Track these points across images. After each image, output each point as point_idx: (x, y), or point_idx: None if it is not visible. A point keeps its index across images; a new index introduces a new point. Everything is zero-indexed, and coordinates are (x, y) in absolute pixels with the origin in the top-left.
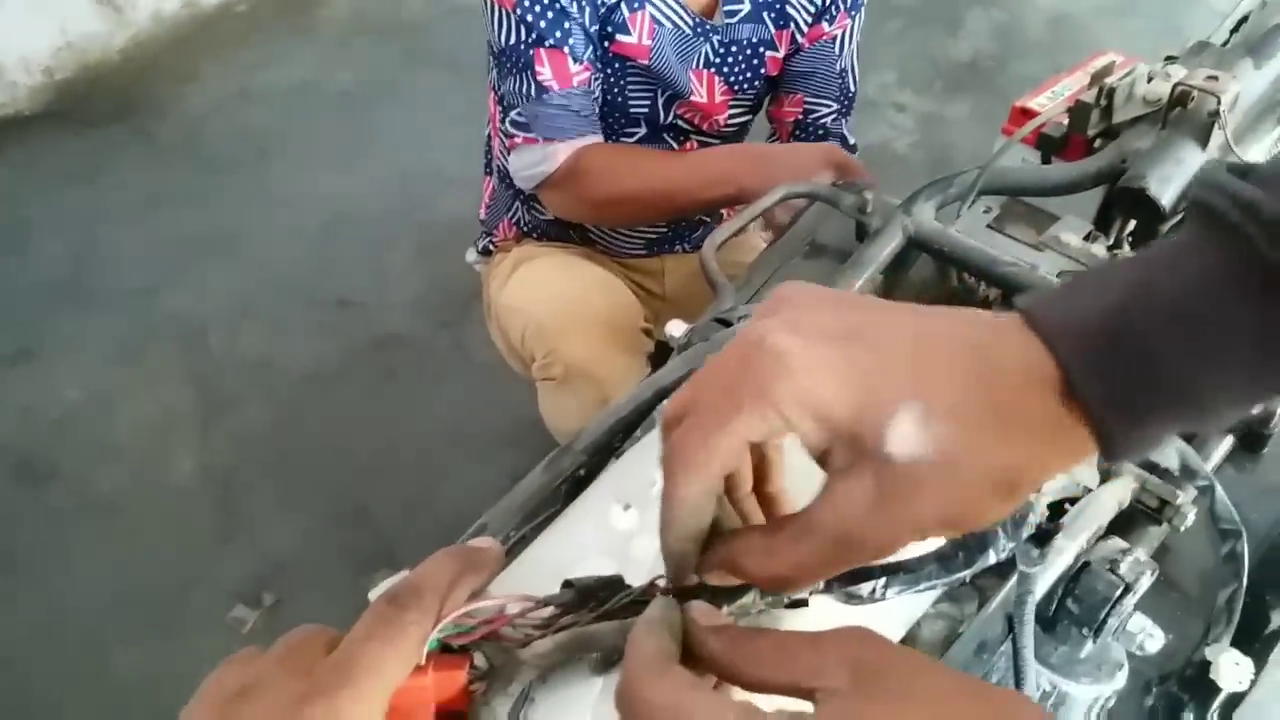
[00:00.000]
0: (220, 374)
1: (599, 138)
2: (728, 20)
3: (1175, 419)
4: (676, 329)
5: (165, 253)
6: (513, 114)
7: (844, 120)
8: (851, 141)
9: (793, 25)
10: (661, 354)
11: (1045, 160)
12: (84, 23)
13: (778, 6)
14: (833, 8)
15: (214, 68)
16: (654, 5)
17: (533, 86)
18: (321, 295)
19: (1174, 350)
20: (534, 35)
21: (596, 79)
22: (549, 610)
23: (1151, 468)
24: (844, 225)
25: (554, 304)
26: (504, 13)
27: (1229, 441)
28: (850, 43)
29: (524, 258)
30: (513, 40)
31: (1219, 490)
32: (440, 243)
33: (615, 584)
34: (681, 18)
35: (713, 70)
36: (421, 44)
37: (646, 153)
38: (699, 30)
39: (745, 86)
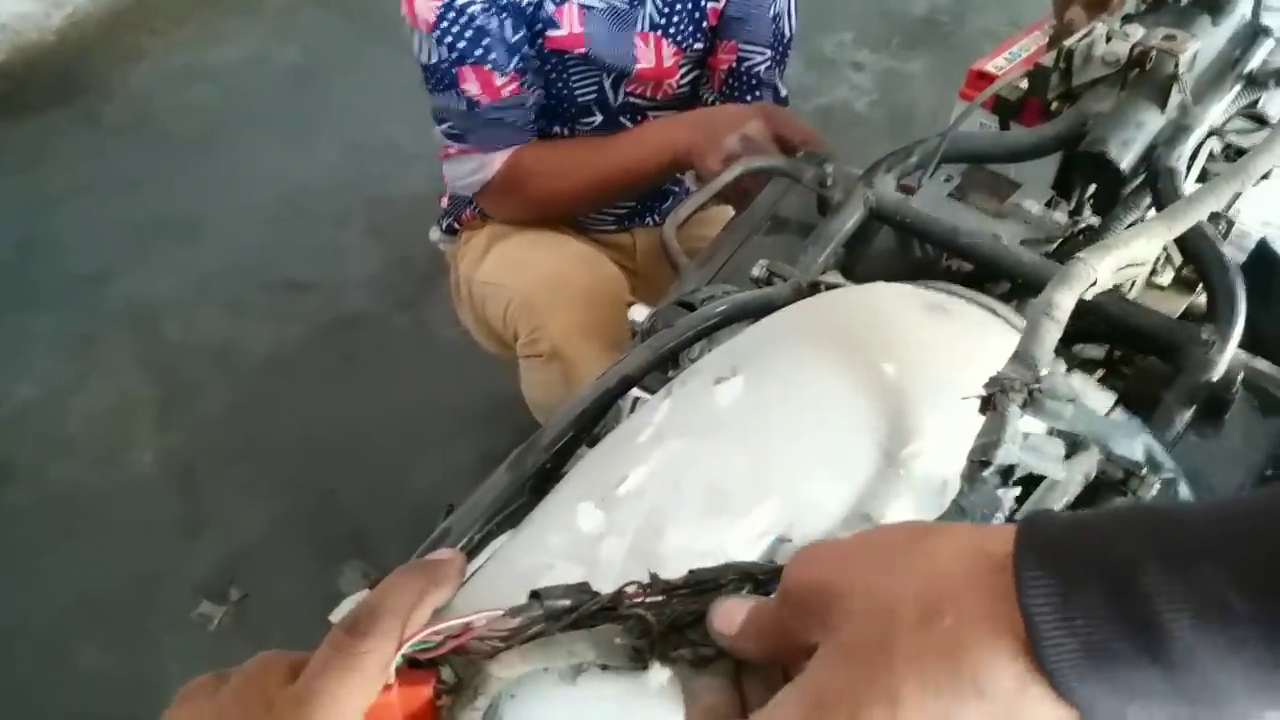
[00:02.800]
0: (177, 361)
1: (531, 145)
2: None
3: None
4: (639, 314)
5: (115, 238)
6: (445, 126)
7: (777, 70)
8: (783, 93)
9: None
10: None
11: (1003, 125)
12: (16, 3)
13: None
14: None
15: (157, 46)
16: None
17: (462, 102)
18: (278, 277)
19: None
20: (455, 54)
21: (534, 84)
22: (516, 620)
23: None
24: (805, 198)
25: (537, 279)
26: (421, 35)
27: (1191, 411)
28: None
29: (498, 235)
30: (435, 60)
31: (1183, 485)
32: (396, 220)
33: (583, 592)
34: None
35: (659, 33)
36: (371, 17)
37: (580, 143)
38: (634, 6)
39: (692, 42)
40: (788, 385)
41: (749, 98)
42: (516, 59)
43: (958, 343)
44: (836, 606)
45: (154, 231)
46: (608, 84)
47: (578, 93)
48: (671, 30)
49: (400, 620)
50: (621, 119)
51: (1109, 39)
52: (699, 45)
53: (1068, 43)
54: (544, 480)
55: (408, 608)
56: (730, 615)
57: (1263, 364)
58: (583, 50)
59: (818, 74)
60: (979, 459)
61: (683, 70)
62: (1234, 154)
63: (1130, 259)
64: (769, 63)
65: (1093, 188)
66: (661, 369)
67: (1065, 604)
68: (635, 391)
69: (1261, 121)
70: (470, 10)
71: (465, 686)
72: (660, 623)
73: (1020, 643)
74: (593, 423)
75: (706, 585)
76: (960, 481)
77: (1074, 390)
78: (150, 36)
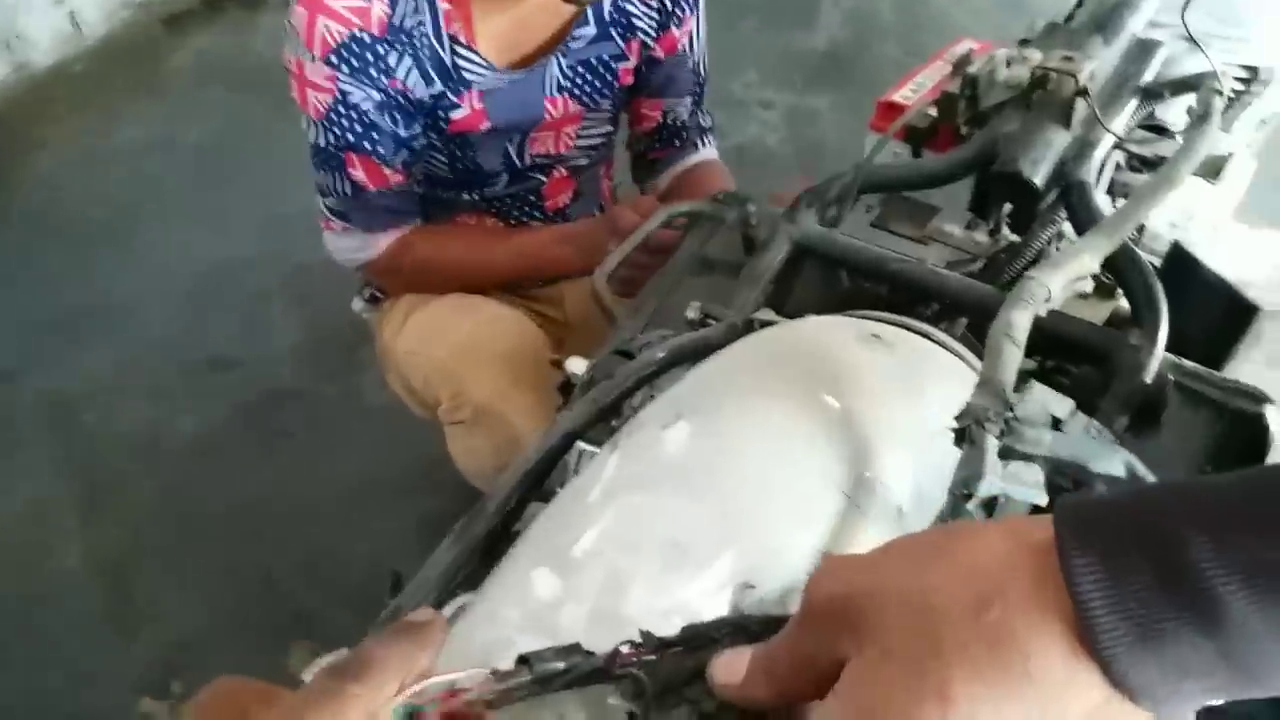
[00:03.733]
0: (99, 455)
1: (415, 228)
2: (574, 46)
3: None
4: (578, 366)
5: (25, 333)
6: (326, 201)
7: (699, 109)
8: (707, 124)
9: (640, 34)
10: (570, 386)
11: (916, 153)
12: None
13: (623, 21)
14: (676, 10)
15: (58, 133)
16: (479, 80)
17: (347, 185)
18: (199, 358)
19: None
20: (343, 143)
21: (417, 176)
22: (505, 685)
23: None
24: (730, 239)
25: (455, 344)
26: (309, 119)
27: (1128, 415)
28: (698, 39)
29: (417, 302)
30: (323, 143)
31: None
32: (318, 289)
33: (574, 653)
34: (510, 78)
35: (565, 94)
36: (272, 88)
37: (472, 241)
38: (536, 71)
39: (599, 100)
40: (734, 429)
41: (677, 142)
42: (405, 153)
43: (897, 371)
44: (871, 614)
45: (66, 322)
46: (513, 150)
47: (485, 164)
48: (577, 91)
49: (389, 675)
50: (529, 175)
51: (1009, 64)
52: (608, 105)
53: (970, 70)
54: (495, 542)
55: (397, 663)
56: (732, 665)
57: (1189, 364)
58: (488, 126)
59: (728, 114)
60: (961, 492)
61: (587, 123)
62: (1138, 163)
63: (1078, 273)
64: (691, 107)
65: (1008, 206)
66: (605, 420)
67: (1114, 586)
68: (580, 445)
69: (1161, 130)
70: (363, 106)
71: None
72: (655, 682)
73: (1070, 628)
74: (539, 482)
75: (701, 640)
76: (945, 516)
77: (1048, 414)
78: (49, 124)
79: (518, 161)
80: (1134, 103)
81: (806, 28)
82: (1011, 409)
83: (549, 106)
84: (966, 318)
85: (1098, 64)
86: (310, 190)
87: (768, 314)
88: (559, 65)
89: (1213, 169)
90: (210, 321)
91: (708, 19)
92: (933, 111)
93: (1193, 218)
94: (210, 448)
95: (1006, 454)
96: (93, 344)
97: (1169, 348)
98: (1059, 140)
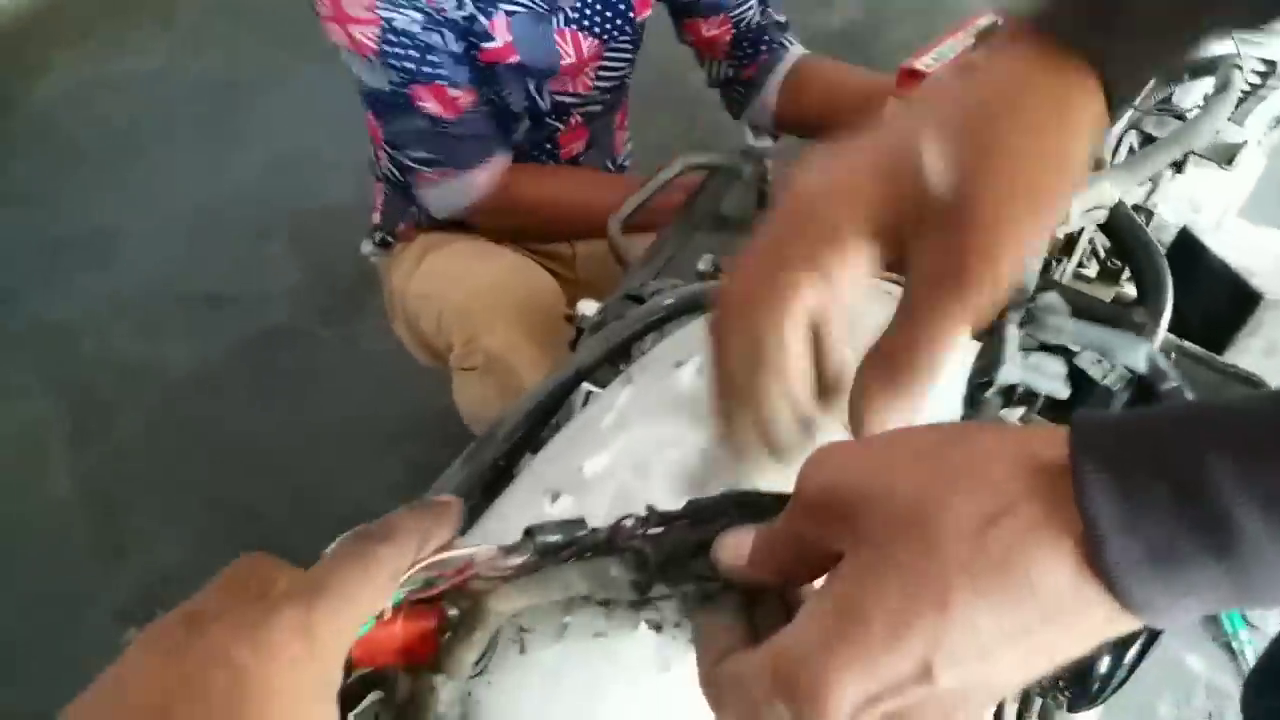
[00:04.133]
0: (93, 382)
1: (508, 152)
2: None
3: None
4: (588, 308)
5: (24, 255)
6: (410, 153)
7: (767, 5)
8: (782, 19)
9: None
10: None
11: None
12: None
13: None
14: None
15: (65, 56)
16: (505, 3)
17: (423, 122)
18: (197, 292)
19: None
20: (406, 75)
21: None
22: (512, 560)
23: None
24: (746, 195)
25: (472, 289)
26: (364, 62)
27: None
28: None
29: (431, 245)
30: (386, 85)
31: (1189, 394)
32: (319, 232)
33: (577, 527)
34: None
35: (574, 28)
36: (286, 28)
37: (568, 177)
38: (550, 4)
39: (615, 34)
40: None
41: (763, 49)
42: (466, 71)
43: None
44: (869, 511)
45: (64, 248)
46: (533, 88)
47: (510, 102)
48: (588, 24)
49: (414, 539)
50: (548, 120)
51: None
52: (624, 37)
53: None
54: (495, 479)
55: (420, 533)
56: (738, 545)
57: (1190, 345)
58: (516, 59)
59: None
60: (980, 380)
61: (606, 60)
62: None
63: (1096, 201)
64: (760, 6)
65: None
66: (613, 364)
67: (1129, 506)
68: (586, 386)
69: (1179, 116)
70: (411, 30)
71: (464, 621)
72: (658, 555)
73: (1078, 545)
74: (548, 415)
75: (706, 514)
76: (961, 407)
77: (1067, 307)
78: (57, 47)
79: (541, 101)
80: (1152, 82)
81: (825, 5)
82: (1033, 299)
83: (558, 39)
84: None
85: None
86: (315, 132)
87: None
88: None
89: (1227, 155)
90: (209, 256)
91: None
92: None
93: (1200, 210)
94: (203, 382)
95: (1027, 345)
96: (90, 271)
97: (1170, 329)
98: None
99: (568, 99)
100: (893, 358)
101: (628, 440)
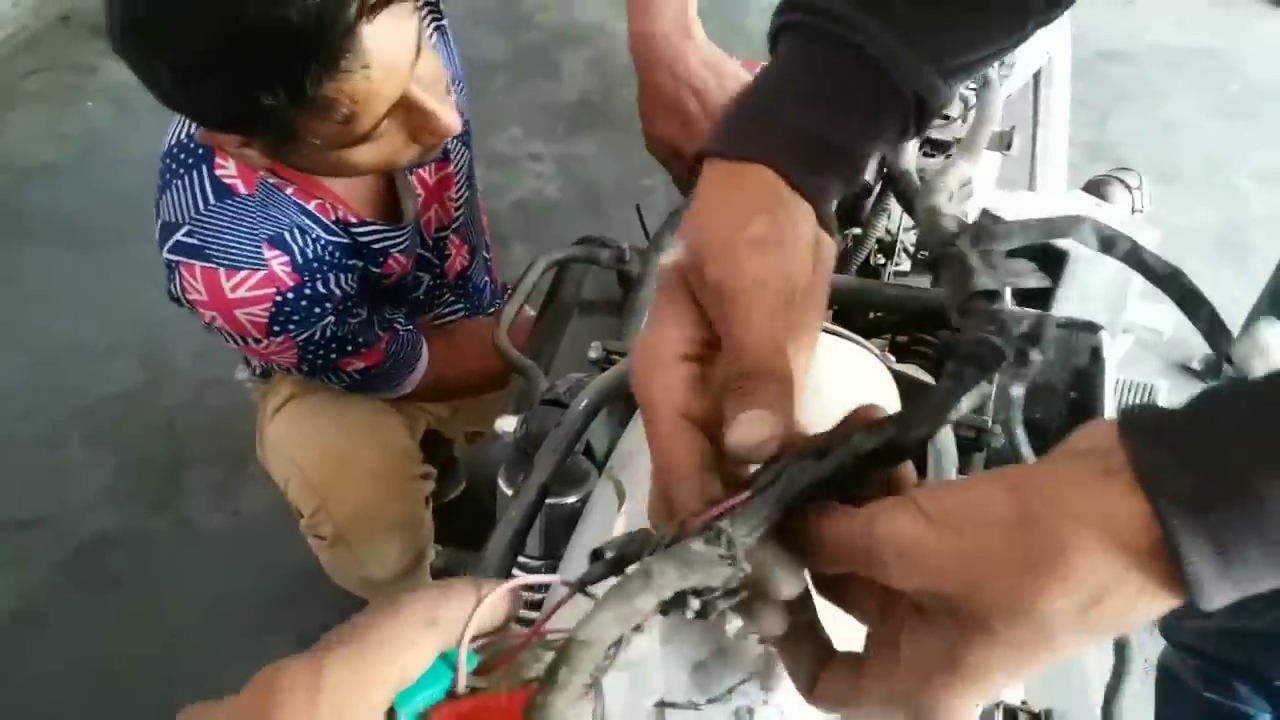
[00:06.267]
0: None
1: (425, 351)
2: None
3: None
4: (507, 424)
5: None
6: (342, 386)
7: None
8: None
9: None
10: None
11: None
12: None
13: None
14: None
15: None
16: (391, 243)
17: (355, 377)
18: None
19: None
20: (330, 360)
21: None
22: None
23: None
24: (605, 277)
25: (319, 454)
26: (291, 370)
27: None
28: None
29: (303, 389)
30: (313, 371)
31: None
32: (113, 421)
33: (643, 538)
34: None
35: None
36: (16, 220)
37: (470, 334)
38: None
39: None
40: None
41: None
42: (375, 318)
43: (826, 365)
44: (974, 605)
45: None
46: (425, 251)
47: (413, 283)
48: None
49: (475, 591)
50: (439, 264)
51: None
52: (455, 142)
53: None
54: None
55: (473, 603)
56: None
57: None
58: (410, 269)
59: (502, 171)
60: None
61: (455, 175)
62: (929, 148)
63: (962, 177)
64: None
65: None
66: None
67: (1226, 569)
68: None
69: (945, 116)
70: (326, 332)
71: (553, 672)
72: (735, 527)
73: (1168, 590)
74: (522, 536)
75: (766, 483)
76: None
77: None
78: None
79: (432, 256)
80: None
81: (554, 79)
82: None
83: (415, 184)
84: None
85: None
86: (76, 322)
87: None
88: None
89: (1005, 141)
90: (3, 477)
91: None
92: None
93: (973, 193)
94: (32, 616)
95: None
96: None
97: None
98: None
99: (444, 233)
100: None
101: None
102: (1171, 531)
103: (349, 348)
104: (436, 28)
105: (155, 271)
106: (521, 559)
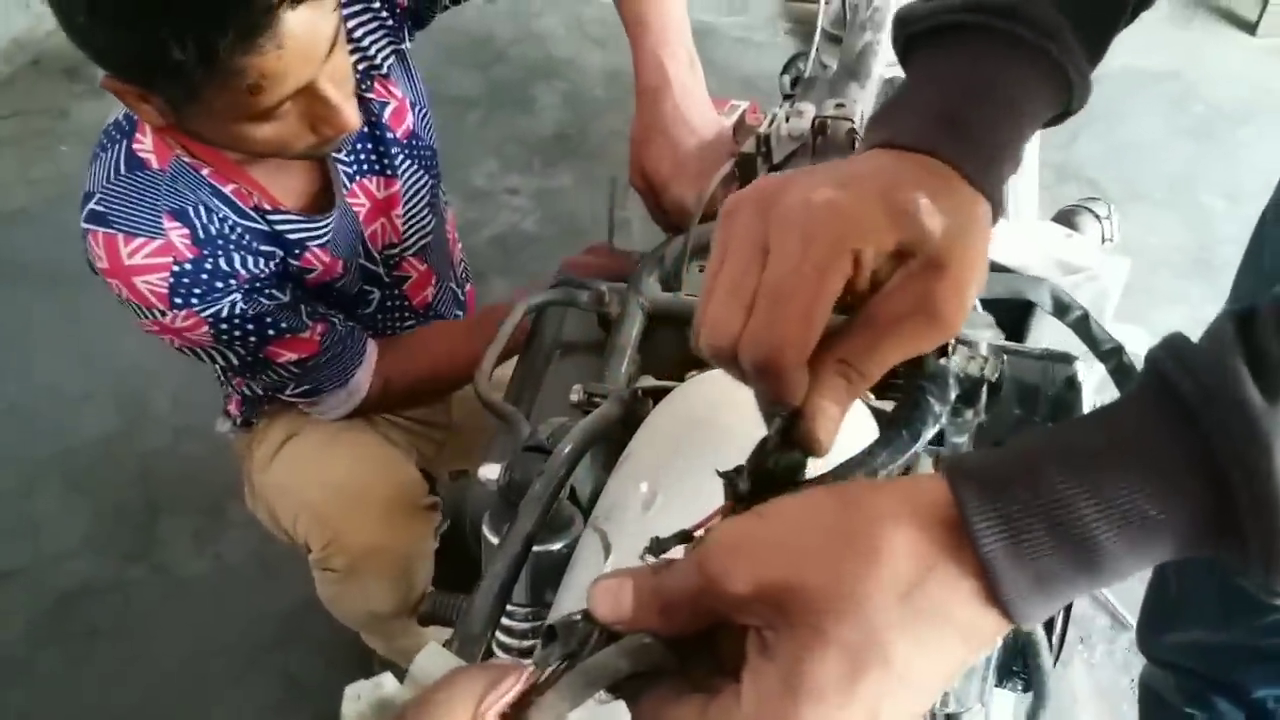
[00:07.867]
0: None
1: (373, 346)
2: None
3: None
4: (490, 473)
5: None
6: (289, 392)
7: None
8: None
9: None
10: (451, 535)
11: None
12: None
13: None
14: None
15: None
16: (308, 236)
17: (290, 369)
18: None
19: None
20: (252, 345)
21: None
22: (549, 669)
23: None
24: (585, 318)
25: (329, 488)
26: (205, 351)
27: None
28: None
29: (295, 428)
30: (237, 360)
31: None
32: (89, 468)
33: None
34: (328, 220)
35: (359, 177)
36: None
37: (429, 344)
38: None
39: (394, 160)
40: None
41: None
42: (304, 308)
43: None
44: (799, 600)
45: None
46: (367, 263)
47: (350, 291)
48: (365, 167)
49: (471, 706)
50: (395, 285)
51: (789, 119)
52: (407, 161)
53: (760, 130)
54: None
55: (476, 699)
56: (618, 598)
57: (1008, 343)
58: (341, 268)
59: (478, 206)
60: None
61: (405, 194)
62: None
63: None
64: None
65: None
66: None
67: (1014, 546)
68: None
69: None
70: (237, 310)
71: None
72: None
73: (979, 583)
74: (509, 589)
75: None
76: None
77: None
78: None
79: (381, 271)
80: None
81: (529, 113)
82: None
83: (358, 193)
84: None
85: (861, 106)
86: (50, 369)
87: (649, 381)
88: (342, 168)
89: None
90: None
91: (436, 119)
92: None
93: None
94: (10, 671)
95: None
96: None
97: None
98: None
99: (395, 251)
100: (854, 359)
101: None
102: (962, 504)
103: (270, 331)
104: (394, 52)
105: (130, 317)
106: (510, 607)
